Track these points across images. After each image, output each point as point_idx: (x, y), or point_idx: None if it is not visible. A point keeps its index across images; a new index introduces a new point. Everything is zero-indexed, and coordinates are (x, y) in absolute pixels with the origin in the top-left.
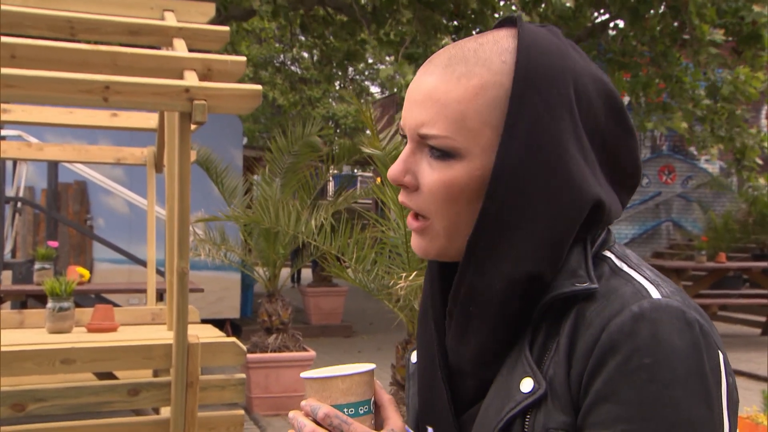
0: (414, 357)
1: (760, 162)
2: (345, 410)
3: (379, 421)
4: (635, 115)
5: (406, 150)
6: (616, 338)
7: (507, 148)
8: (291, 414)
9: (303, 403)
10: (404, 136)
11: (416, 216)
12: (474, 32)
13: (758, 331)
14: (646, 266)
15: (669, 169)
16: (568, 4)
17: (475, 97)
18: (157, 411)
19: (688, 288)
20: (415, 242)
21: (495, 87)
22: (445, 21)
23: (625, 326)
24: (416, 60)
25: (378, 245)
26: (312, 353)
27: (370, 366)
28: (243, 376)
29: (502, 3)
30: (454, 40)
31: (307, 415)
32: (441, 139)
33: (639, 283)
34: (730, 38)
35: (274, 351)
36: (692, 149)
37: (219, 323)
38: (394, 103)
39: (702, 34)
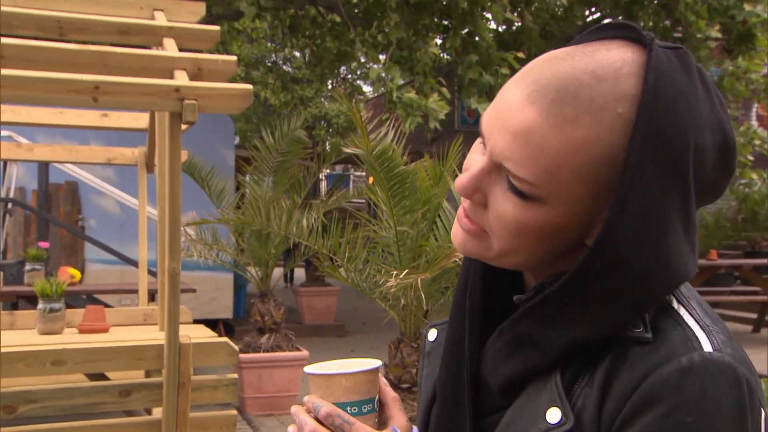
0: (431, 335)
1: (751, 158)
2: (348, 408)
3: (383, 419)
4: None
5: (481, 165)
6: (660, 389)
7: (615, 221)
8: (293, 409)
9: (306, 398)
10: (482, 142)
11: (470, 218)
12: (463, 32)
13: (749, 328)
14: (695, 300)
15: None
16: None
17: (576, 153)
18: (149, 412)
19: None
20: (461, 237)
21: (602, 145)
22: (435, 20)
23: (672, 378)
24: (403, 64)
25: (370, 244)
26: (305, 353)
27: (376, 363)
28: (235, 376)
29: (490, 4)
30: (443, 40)
31: (309, 411)
32: (527, 184)
33: (690, 328)
34: (723, 37)
35: (267, 351)
36: None
37: (212, 323)
38: (385, 102)
39: (698, 30)
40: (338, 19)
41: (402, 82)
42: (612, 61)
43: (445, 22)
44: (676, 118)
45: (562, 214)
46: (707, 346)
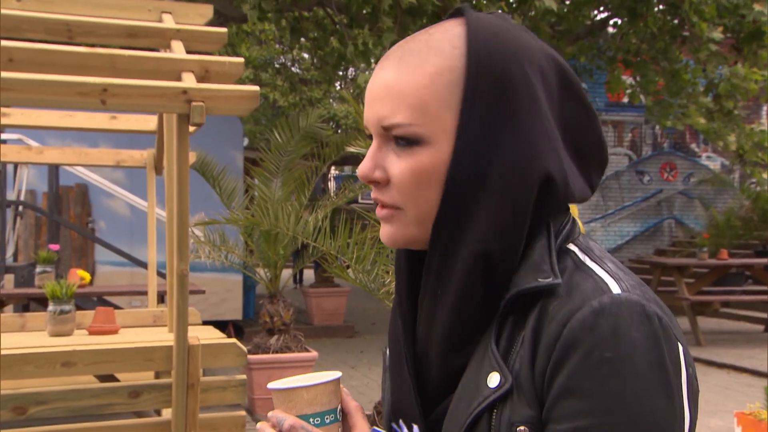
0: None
1: (763, 157)
2: (311, 420)
3: (346, 428)
4: (649, 114)
5: (372, 147)
6: (577, 333)
7: (465, 129)
8: (258, 425)
9: (270, 414)
10: (370, 136)
11: (383, 205)
12: None
13: (761, 327)
14: (609, 259)
15: (670, 167)
16: (547, 4)
17: (432, 83)
18: (158, 413)
19: (690, 285)
20: (384, 230)
21: (450, 71)
22: (427, 21)
23: (586, 321)
24: None
25: (378, 245)
26: (314, 354)
27: (336, 374)
28: (244, 377)
29: (485, 3)
30: None
31: (273, 426)
32: (404, 127)
33: (600, 277)
34: (729, 35)
35: (276, 352)
36: (693, 146)
37: (221, 325)
38: None
39: (701, 32)
40: (344, 20)
41: None
42: (441, 25)
43: None
44: (500, 39)
45: (445, 148)
46: (616, 289)
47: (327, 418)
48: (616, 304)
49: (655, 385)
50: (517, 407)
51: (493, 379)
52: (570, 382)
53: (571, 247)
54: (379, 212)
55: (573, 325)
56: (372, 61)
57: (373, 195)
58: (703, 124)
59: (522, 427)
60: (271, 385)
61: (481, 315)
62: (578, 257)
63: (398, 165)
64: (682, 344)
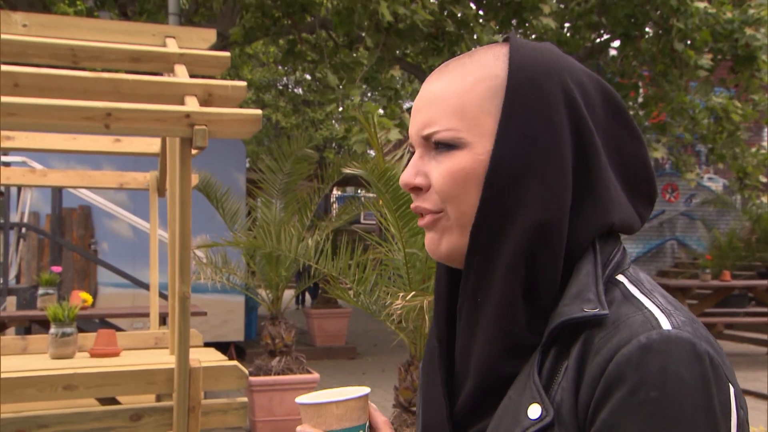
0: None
1: (764, 180)
2: None
3: None
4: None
5: (414, 157)
6: (623, 369)
7: (504, 134)
8: None
9: (298, 428)
10: (412, 152)
11: (425, 212)
12: (449, 54)
13: (764, 350)
14: (659, 292)
15: (672, 188)
16: (545, 22)
17: (472, 89)
18: None
19: (693, 306)
20: (427, 239)
21: (491, 78)
22: (425, 43)
23: (632, 357)
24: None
25: (379, 267)
26: (316, 376)
27: (365, 390)
28: (245, 399)
29: (481, 21)
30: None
31: None
32: (443, 132)
33: (649, 311)
34: (728, 57)
35: (278, 374)
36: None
37: (223, 346)
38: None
39: (688, 58)
40: (330, 43)
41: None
42: (487, 47)
43: (433, 45)
44: (543, 54)
45: (483, 151)
46: (666, 325)
47: None
48: (665, 341)
49: (700, 429)
50: None
51: (534, 411)
52: (612, 418)
53: (620, 278)
54: (422, 221)
55: (619, 360)
56: (356, 80)
57: (413, 204)
58: (662, 155)
59: None
60: (299, 399)
61: (521, 338)
62: (627, 289)
63: (438, 168)
64: (733, 386)
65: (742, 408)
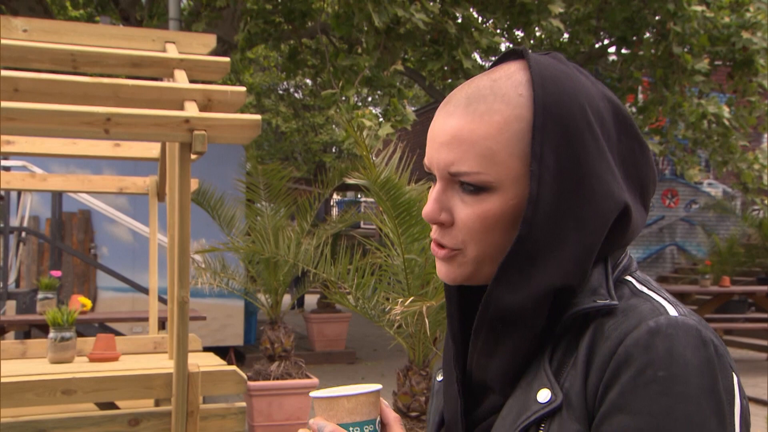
0: (440, 376)
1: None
2: (351, 429)
3: None
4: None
5: (437, 189)
6: (632, 351)
7: (538, 176)
8: None
9: (311, 421)
10: (431, 173)
11: (442, 244)
12: (449, 57)
13: (764, 356)
14: (665, 291)
15: (672, 193)
16: (555, 24)
17: (500, 133)
18: None
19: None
20: (442, 269)
21: (517, 120)
22: (426, 48)
23: (641, 340)
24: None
25: (378, 272)
26: (315, 380)
27: (377, 386)
28: (243, 404)
29: (483, 25)
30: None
31: None
32: (473, 175)
33: (657, 302)
34: (728, 63)
35: (277, 378)
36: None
37: (222, 351)
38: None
39: (686, 62)
40: (330, 46)
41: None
42: (503, 69)
43: (434, 49)
44: (563, 86)
45: (512, 195)
46: (673, 312)
47: (366, 429)
48: (673, 326)
49: (706, 409)
50: (566, 423)
51: (543, 395)
52: (620, 398)
53: (629, 278)
54: (439, 252)
55: (628, 343)
56: (355, 83)
57: (433, 235)
58: (660, 152)
59: None
60: (313, 393)
61: (539, 344)
62: (635, 286)
63: (465, 210)
64: (736, 375)
65: (744, 398)
